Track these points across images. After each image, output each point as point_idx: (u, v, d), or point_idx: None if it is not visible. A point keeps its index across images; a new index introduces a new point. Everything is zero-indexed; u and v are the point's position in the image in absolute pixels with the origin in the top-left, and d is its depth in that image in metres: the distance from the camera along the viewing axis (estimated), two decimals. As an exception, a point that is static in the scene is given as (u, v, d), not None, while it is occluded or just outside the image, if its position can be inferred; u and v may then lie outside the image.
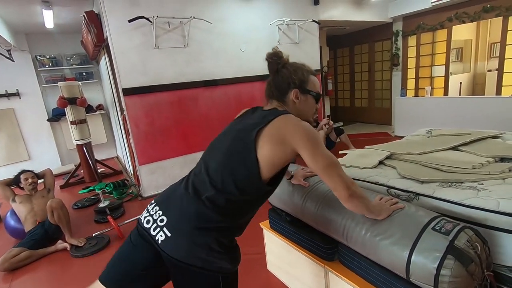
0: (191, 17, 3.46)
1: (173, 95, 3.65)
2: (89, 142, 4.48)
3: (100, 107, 5.75)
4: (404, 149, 1.89)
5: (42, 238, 2.64)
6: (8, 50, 4.32)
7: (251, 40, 4.13)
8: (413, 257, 0.97)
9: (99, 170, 4.59)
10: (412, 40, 5.91)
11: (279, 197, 1.63)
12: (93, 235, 2.69)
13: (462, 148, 1.81)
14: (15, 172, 3.00)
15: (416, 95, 5.80)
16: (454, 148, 1.84)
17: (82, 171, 4.66)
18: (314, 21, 4.59)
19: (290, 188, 1.55)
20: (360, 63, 7.01)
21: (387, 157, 1.83)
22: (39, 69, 5.21)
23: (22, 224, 2.78)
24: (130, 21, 3.13)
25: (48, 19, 4.06)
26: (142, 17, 3.16)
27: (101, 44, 3.75)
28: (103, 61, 4.48)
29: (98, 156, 5.13)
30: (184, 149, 3.84)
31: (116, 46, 3.24)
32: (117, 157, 5.99)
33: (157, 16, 3.25)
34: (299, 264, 1.64)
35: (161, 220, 0.99)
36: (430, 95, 5.30)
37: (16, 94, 5.06)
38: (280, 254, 1.83)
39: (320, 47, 5.06)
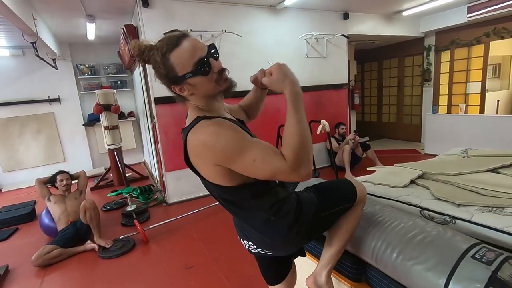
0: (222, 30, 3.58)
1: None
2: (120, 147, 4.69)
3: (131, 114, 6.02)
4: (438, 169, 1.81)
5: (73, 237, 2.76)
6: (54, 59, 4.67)
7: (278, 54, 4.19)
8: (450, 286, 0.92)
9: (127, 175, 4.76)
10: (445, 56, 5.72)
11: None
12: (120, 237, 2.77)
13: (503, 170, 1.71)
14: (51, 172, 3.20)
15: (449, 112, 5.57)
16: (494, 171, 1.74)
17: (111, 174, 4.87)
18: (343, 35, 4.58)
19: (317, 204, 1.53)
20: (389, 78, 6.86)
21: (419, 177, 1.76)
22: (79, 77, 5.58)
23: (55, 223, 2.93)
24: (165, 34, 3.27)
25: (91, 31, 4.36)
26: (177, 30, 3.30)
27: (137, 55, 3.95)
28: (137, 71, 4.71)
29: (127, 161, 5.34)
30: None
31: (150, 57, 3.41)
32: (144, 162, 6.20)
33: (191, 30, 3.40)
34: (323, 283, 1.59)
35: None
36: (465, 113, 5.06)
37: (57, 100, 5.43)
38: (301, 268, 1.79)
39: (348, 61, 5.02)
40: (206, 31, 3.57)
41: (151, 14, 3.36)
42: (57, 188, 3.07)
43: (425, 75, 5.91)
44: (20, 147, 5.30)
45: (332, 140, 4.30)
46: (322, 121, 3.58)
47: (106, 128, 4.47)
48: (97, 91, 4.47)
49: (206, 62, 0.83)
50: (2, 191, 5.13)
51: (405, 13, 5.00)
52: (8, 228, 3.39)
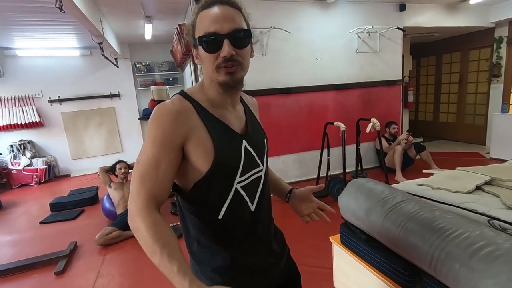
0: (271, 27, 3.59)
1: (247, 101, 3.82)
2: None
3: (181, 109, 6.34)
4: (510, 175, 1.62)
5: (129, 221, 3.02)
6: (115, 58, 5.11)
7: (327, 49, 4.07)
8: (526, 306, 0.82)
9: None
10: (520, 48, 5.05)
11: (353, 212, 1.56)
12: (170, 225, 2.95)
13: None
14: (110, 162, 3.52)
15: (522, 112, 4.91)
16: None
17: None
18: (398, 28, 4.29)
19: (368, 204, 1.47)
20: (449, 74, 6.26)
21: (487, 183, 1.59)
22: (136, 74, 6.04)
23: (115, 208, 3.23)
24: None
25: (148, 31, 4.68)
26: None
27: (189, 53, 4.14)
28: (188, 68, 4.95)
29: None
30: (254, 153, 3.96)
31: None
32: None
33: (240, 27, 3.46)
34: (371, 287, 1.53)
35: None
36: (543, 113, 4.42)
37: (117, 96, 5.95)
38: (350, 272, 1.74)
39: (402, 56, 4.70)
40: (255, 28, 3.59)
41: (203, 13, 3.49)
42: (116, 176, 3.37)
43: (494, 70, 5.27)
44: (85, 138, 5.92)
45: (382, 139, 4.07)
46: (372, 119, 3.40)
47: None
48: (152, 87, 4.77)
49: (217, 39, 0.68)
50: (71, 176, 5.78)
51: (472, 1, 4.51)
52: (75, 209, 3.82)
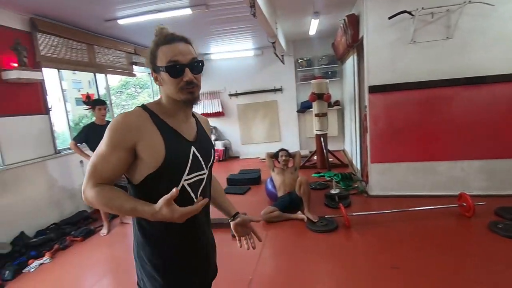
0: (464, 2, 2.92)
1: (420, 94, 3.31)
2: (326, 133, 5.04)
3: (337, 103, 6.29)
4: None
5: (288, 204, 3.30)
6: (282, 55, 5.61)
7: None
8: None
9: (329, 160, 5.08)
10: None
11: None
12: (326, 216, 3.02)
13: None
14: (270, 149, 3.92)
15: None
16: None
17: (315, 157, 5.36)
18: None
19: None
20: None
21: None
22: (297, 69, 6.43)
23: (276, 190, 3.60)
24: (390, 17, 3.11)
25: (313, 27, 4.85)
26: (405, 11, 3.04)
27: (354, 44, 4.00)
28: (350, 61, 4.80)
29: (329, 147, 5.67)
30: (422, 155, 3.43)
31: (370, 44, 3.35)
32: (344, 150, 6.38)
33: (422, 8, 3.01)
34: None
35: None
36: None
37: (280, 90, 6.55)
38: None
39: None
40: (440, 7, 3.04)
41: (376, 0, 3.25)
42: (278, 162, 3.74)
43: None
44: (252, 127, 6.90)
45: None
46: None
47: (316, 115, 4.93)
48: (313, 81, 4.97)
49: (181, 68, 0.87)
50: (239, 158, 6.91)
51: None
52: (244, 186, 4.53)
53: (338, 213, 3.05)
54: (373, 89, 3.41)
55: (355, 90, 4.44)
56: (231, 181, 4.70)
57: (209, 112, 6.86)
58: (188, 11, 3.46)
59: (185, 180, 0.90)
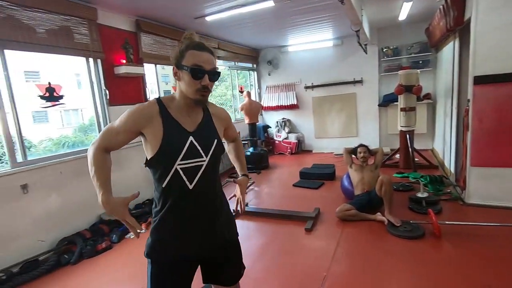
0: None
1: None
2: (413, 130, 4.53)
3: (427, 96, 5.58)
4: None
5: (366, 204, 3.09)
6: (365, 44, 5.22)
7: None
8: None
9: (415, 159, 4.57)
10: None
11: None
12: (411, 221, 2.74)
13: None
14: (346, 144, 3.71)
15: None
16: None
17: (398, 156, 4.89)
18: None
19: None
20: None
21: None
22: (381, 59, 5.91)
23: (353, 187, 3.41)
24: None
25: (405, 11, 4.36)
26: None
27: (456, 28, 3.46)
28: (449, 47, 4.18)
29: (415, 145, 5.09)
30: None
31: (479, 27, 2.85)
32: (433, 150, 5.66)
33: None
34: None
35: None
36: None
37: (360, 82, 6.14)
38: None
39: None
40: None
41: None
42: (357, 158, 3.52)
43: None
44: (327, 120, 6.66)
45: None
46: None
47: (402, 109, 4.46)
48: (400, 71, 4.50)
49: (202, 73, 1.03)
50: (312, 152, 6.78)
51: None
52: (317, 181, 4.43)
53: (425, 219, 2.74)
54: (480, 80, 2.90)
55: (454, 82, 3.85)
56: (304, 174, 4.65)
57: (283, 104, 6.88)
58: (271, 3, 3.49)
59: (179, 164, 1.05)
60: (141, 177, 3.73)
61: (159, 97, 1.12)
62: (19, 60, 2.65)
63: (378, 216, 2.93)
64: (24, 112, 2.65)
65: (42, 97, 2.83)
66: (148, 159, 1.06)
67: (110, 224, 3.20)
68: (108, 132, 1.06)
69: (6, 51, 2.58)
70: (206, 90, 1.05)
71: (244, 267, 1.31)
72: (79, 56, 3.17)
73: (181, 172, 1.05)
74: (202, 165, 1.08)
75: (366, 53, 5.51)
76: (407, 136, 4.47)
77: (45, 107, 2.87)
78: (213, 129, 1.16)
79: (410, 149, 4.42)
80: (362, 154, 3.45)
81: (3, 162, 2.71)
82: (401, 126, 4.58)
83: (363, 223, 2.96)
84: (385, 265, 2.25)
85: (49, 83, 2.85)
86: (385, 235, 2.70)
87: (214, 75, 1.06)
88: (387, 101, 5.81)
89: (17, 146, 2.67)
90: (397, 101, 4.76)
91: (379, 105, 6.01)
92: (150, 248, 1.10)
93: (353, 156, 3.60)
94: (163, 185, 1.06)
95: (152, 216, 1.14)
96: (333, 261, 2.35)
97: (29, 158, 2.74)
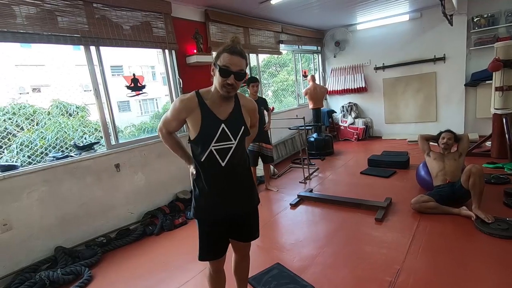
0: None
1: None
2: (511, 113, 3.84)
3: (533, 72, 4.63)
4: None
5: (447, 196, 2.77)
6: (451, 15, 4.53)
7: None
8: None
9: (512, 148, 3.89)
10: None
11: None
12: (507, 218, 2.37)
13: None
14: (422, 130, 3.29)
15: None
16: None
17: (489, 143, 4.23)
18: None
19: None
20: None
21: None
22: (471, 31, 5.08)
23: (431, 178, 3.08)
24: None
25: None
26: None
27: None
28: None
29: (513, 131, 4.34)
30: None
31: None
32: (537, 137, 4.73)
33: None
34: None
35: None
36: None
37: (442, 59, 5.41)
38: None
39: None
40: None
41: None
42: (438, 145, 3.15)
43: None
44: (401, 103, 6.07)
45: None
46: None
47: (498, 88, 3.80)
48: (497, 44, 3.81)
49: (228, 72, 1.24)
50: (382, 138, 6.30)
51: None
52: (388, 169, 4.12)
53: (526, 217, 2.33)
54: None
55: None
56: (373, 162, 4.37)
57: (350, 88, 6.50)
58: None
59: (213, 146, 1.30)
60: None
61: (197, 90, 1.36)
62: (107, 56, 3.05)
63: (463, 210, 2.60)
64: (113, 102, 3.06)
65: (128, 87, 3.19)
66: (191, 139, 1.34)
67: (185, 202, 3.52)
68: (164, 121, 1.40)
69: (102, 48, 2.95)
70: (231, 88, 1.27)
71: (259, 232, 1.57)
72: (157, 48, 3.45)
73: (215, 152, 1.31)
74: (232, 147, 1.33)
75: (452, 25, 4.79)
76: (504, 120, 3.81)
77: (131, 96, 3.24)
78: (241, 118, 1.38)
79: (507, 136, 3.77)
80: (445, 140, 3.06)
81: (100, 144, 3.16)
82: (495, 109, 3.92)
83: (444, 217, 2.66)
84: (470, 265, 2.00)
85: (134, 75, 3.20)
86: (473, 232, 2.39)
87: (239, 76, 1.27)
88: (476, 80, 5.01)
89: (111, 130, 3.08)
90: (490, 80, 4.07)
91: (465, 85, 5.22)
92: (195, 212, 1.44)
93: (430, 143, 3.23)
94: (202, 160, 1.33)
95: (194, 185, 1.42)
96: (408, 255, 2.18)
97: (120, 141, 3.15)
